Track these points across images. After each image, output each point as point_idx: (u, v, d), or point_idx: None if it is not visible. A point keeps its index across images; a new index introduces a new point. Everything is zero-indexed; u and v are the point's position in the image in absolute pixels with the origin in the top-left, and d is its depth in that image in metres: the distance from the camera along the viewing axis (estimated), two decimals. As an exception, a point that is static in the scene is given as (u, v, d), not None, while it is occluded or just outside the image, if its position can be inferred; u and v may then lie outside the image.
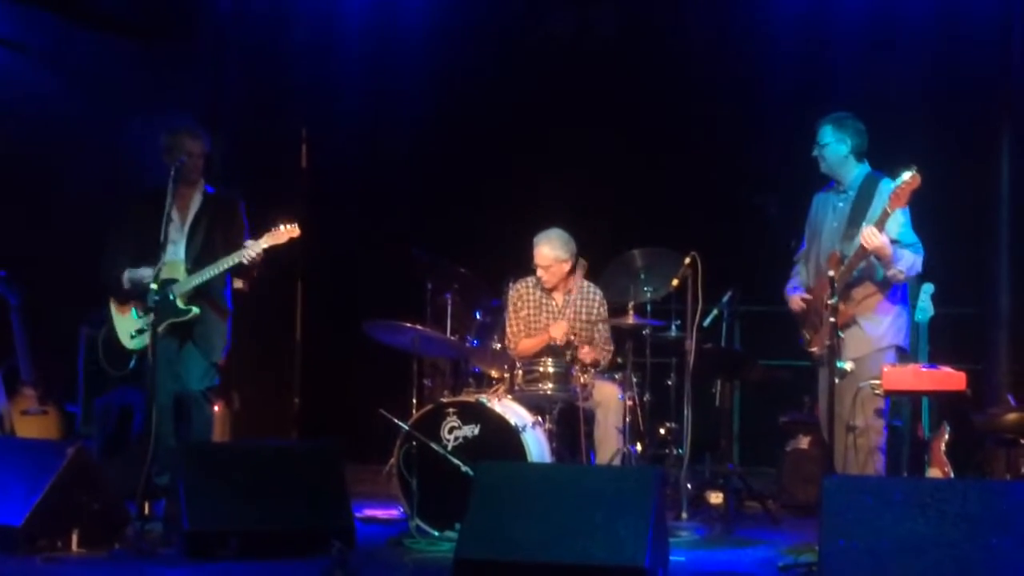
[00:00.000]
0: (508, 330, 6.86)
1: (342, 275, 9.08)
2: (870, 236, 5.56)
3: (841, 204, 5.93)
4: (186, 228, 6.14)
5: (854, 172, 5.92)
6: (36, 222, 7.92)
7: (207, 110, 6.96)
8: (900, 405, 6.51)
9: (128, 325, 6.10)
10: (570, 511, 4.76)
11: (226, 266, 5.98)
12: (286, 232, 5.97)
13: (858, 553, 4.38)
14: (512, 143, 8.77)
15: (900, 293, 5.89)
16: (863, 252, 5.64)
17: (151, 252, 5.89)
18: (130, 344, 6.07)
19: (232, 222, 6.17)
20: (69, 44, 8.17)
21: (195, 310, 6.03)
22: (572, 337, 6.64)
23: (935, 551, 4.34)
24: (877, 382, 5.60)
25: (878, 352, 5.78)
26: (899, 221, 5.71)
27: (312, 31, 8.95)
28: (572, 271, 6.83)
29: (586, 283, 6.89)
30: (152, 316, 5.79)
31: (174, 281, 6.01)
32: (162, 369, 6.01)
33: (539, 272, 6.79)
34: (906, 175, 5.46)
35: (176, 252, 6.08)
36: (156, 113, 6.41)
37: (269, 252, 6.01)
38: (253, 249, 5.94)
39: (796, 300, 6.06)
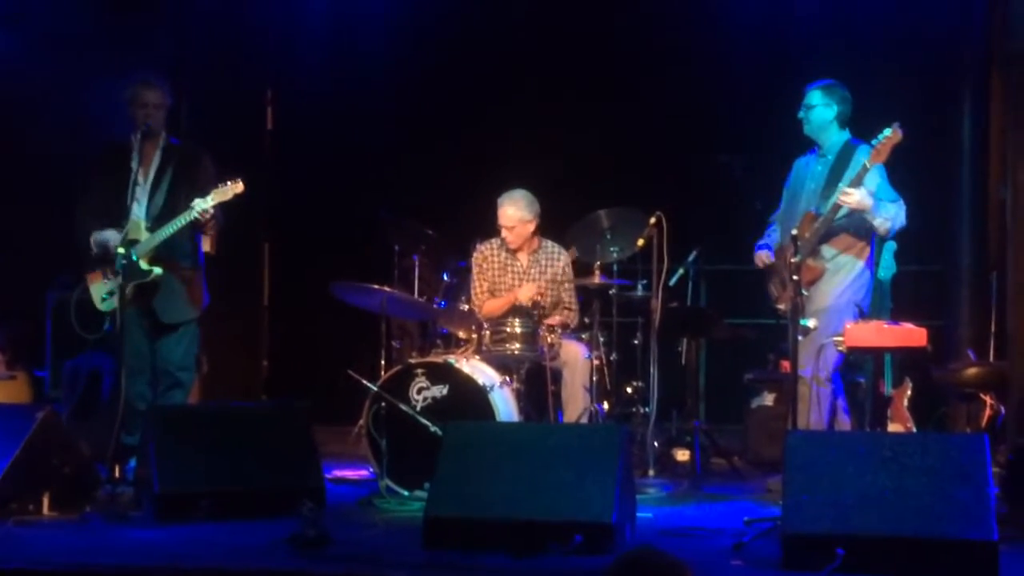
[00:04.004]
0: (473, 292, 6.88)
1: (309, 237, 9.08)
2: (846, 196, 5.68)
3: (820, 168, 6.06)
4: (148, 185, 6.12)
5: (835, 137, 6.05)
6: (-2, 185, 7.88)
7: (170, 71, 6.91)
8: (863, 361, 6.60)
9: (100, 288, 6.08)
10: (538, 469, 4.81)
11: (181, 223, 5.95)
12: (231, 188, 5.94)
13: (821, 506, 4.46)
14: (478, 104, 8.77)
15: (867, 254, 5.98)
16: (836, 209, 5.74)
17: (117, 210, 5.89)
18: (102, 306, 6.05)
19: (197, 176, 6.11)
20: (27, 3, 8.08)
21: (157, 271, 6.01)
22: (539, 297, 6.68)
23: (897, 503, 4.42)
24: (840, 338, 5.68)
25: (837, 308, 5.87)
26: (876, 179, 5.82)
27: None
28: (536, 232, 6.86)
29: (549, 243, 6.92)
30: (119, 279, 5.79)
31: (136, 242, 6.00)
32: (135, 335, 6.02)
33: (503, 233, 6.81)
34: (888, 131, 5.58)
35: (138, 211, 6.05)
36: (118, 74, 6.36)
37: (224, 208, 6.00)
38: (199, 207, 5.92)
39: (761, 256, 6.16)
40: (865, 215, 5.78)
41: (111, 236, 5.92)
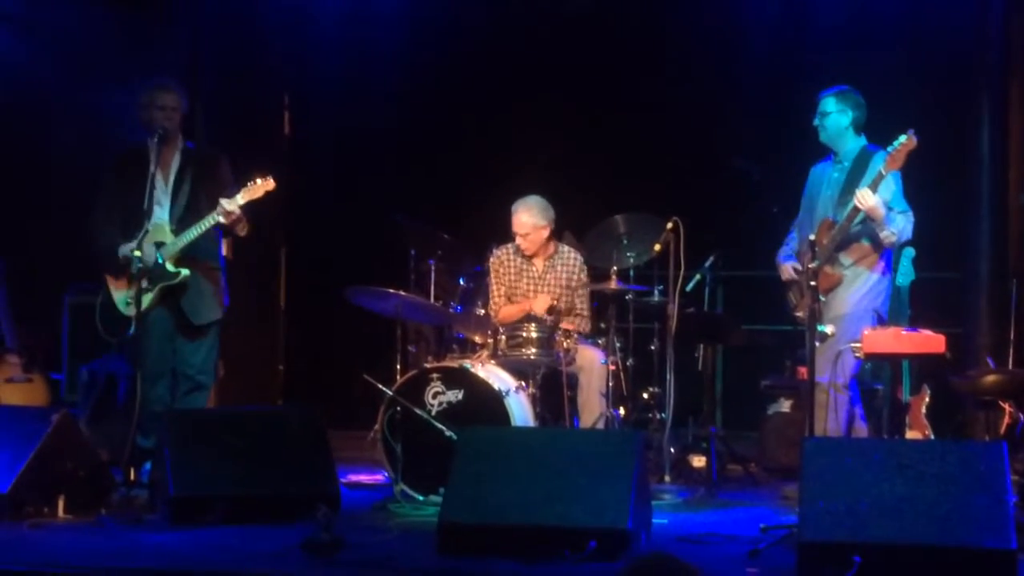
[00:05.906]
0: (491, 297, 6.88)
1: (326, 242, 9.09)
2: (863, 197, 5.65)
3: (837, 175, 6.03)
4: (169, 188, 6.13)
5: (851, 144, 6.02)
6: (16, 191, 7.91)
7: (186, 76, 6.93)
8: (881, 368, 6.57)
9: (124, 293, 6.08)
10: (553, 475, 4.80)
11: (207, 225, 5.98)
12: (261, 186, 5.97)
13: (838, 514, 4.43)
14: (494, 108, 8.76)
15: (885, 260, 5.96)
16: (854, 214, 5.73)
17: (134, 214, 5.89)
18: (127, 311, 6.05)
19: (216, 178, 6.14)
20: (43, 9, 8.11)
21: (185, 272, 6.03)
22: (555, 301, 6.66)
23: (914, 511, 4.39)
24: (858, 344, 5.66)
25: (855, 315, 5.84)
26: (891, 187, 5.79)
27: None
28: (551, 237, 6.84)
29: (565, 248, 6.90)
30: (137, 282, 5.80)
31: (162, 244, 6.01)
32: (159, 338, 6.02)
33: (518, 239, 6.80)
34: (903, 137, 5.55)
35: (161, 214, 6.07)
36: (134, 79, 6.38)
37: (250, 208, 6.01)
38: (230, 205, 5.93)
39: (787, 269, 6.15)
40: (875, 223, 5.75)
41: (133, 246, 5.92)
